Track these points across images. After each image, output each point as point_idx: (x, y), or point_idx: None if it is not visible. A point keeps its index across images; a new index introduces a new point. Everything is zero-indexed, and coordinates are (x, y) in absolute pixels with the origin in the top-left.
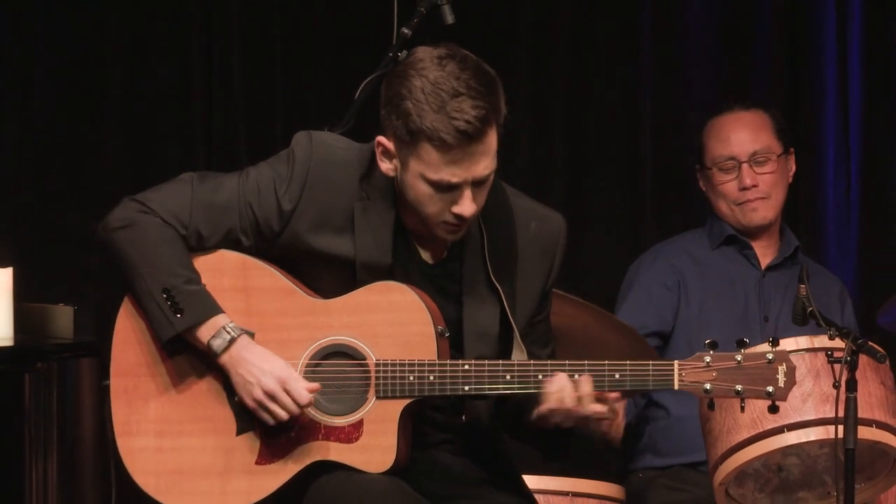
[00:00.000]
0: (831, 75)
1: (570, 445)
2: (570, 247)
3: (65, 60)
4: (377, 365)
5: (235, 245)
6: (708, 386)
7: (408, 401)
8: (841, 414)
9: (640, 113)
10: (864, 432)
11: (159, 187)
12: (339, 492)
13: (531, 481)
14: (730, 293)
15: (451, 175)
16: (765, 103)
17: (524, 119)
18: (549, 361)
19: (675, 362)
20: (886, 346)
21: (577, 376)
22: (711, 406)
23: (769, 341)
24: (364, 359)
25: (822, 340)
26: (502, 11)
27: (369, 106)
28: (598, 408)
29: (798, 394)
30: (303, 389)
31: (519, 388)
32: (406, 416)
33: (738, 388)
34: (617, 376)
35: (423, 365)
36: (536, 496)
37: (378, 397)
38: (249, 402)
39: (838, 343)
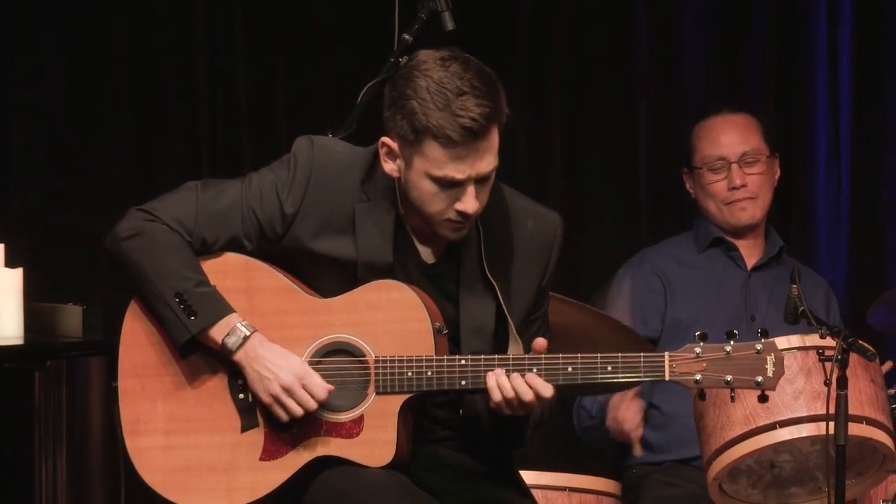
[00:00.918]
0: (822, 78)
1: (525, 433)
2: (567, 248)
3: (72, 65)
4: (376, 361)
5: (239, 249)
6: (698, 376)
7: (407, 396)
8: (832, 411)
9: (636, 116)
10: (855, 429)
11: (164, 197)
12: (341, 487)
13: (529, 476)
14: (716, 294)
15: (455, 171)
16: (752, 108)
17: (522, 123)
18: (543, 355)
19: (666, 353)
20: (876, 344)
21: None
22: (702, 396)
23: (759, 332)
24: (364, 356)
25: (814, 339)
26: (500, 17)
27: (371, 111)
28: (530, 397)
29: (790, 391)
30: (319, 385)
31: None
32: (406, 410)
33: (728, 378)
34: (609, 368)
35: (420, 361)
36: (534, 491)
37: (378, 393)
38: (265, 398)
39: (829, 342)
